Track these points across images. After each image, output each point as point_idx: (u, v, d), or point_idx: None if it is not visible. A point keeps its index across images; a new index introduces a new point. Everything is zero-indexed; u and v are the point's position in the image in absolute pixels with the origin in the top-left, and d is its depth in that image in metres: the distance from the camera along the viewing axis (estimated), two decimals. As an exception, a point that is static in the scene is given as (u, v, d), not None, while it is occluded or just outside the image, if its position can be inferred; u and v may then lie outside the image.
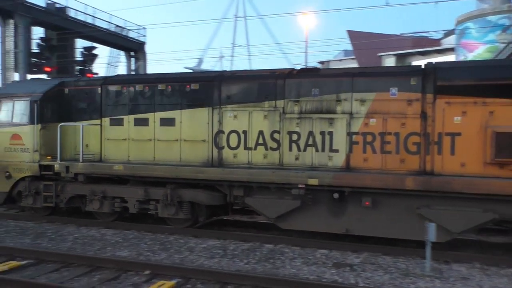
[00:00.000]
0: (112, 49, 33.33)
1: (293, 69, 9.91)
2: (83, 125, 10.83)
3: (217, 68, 58.10)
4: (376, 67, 10.62)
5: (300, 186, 8.84)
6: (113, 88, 10.86)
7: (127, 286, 6.70)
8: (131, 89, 10.65)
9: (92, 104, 11.05)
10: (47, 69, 24.54)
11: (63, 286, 6.46)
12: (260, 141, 9.48)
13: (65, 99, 11.32)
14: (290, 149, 9.25)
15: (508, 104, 7.90)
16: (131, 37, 32.42)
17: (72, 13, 26.91)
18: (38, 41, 25.12)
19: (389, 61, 37.04)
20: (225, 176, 9.46)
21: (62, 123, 10.96)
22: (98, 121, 10.91)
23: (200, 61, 55.96)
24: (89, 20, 28.03)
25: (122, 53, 33.92)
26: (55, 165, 10.86)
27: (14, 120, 11.32)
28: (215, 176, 9.56)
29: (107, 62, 33.99)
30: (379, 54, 37.96)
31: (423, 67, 8.78)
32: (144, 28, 33.54)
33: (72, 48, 27.80)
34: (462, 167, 8.13)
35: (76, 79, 12.64)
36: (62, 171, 10.78)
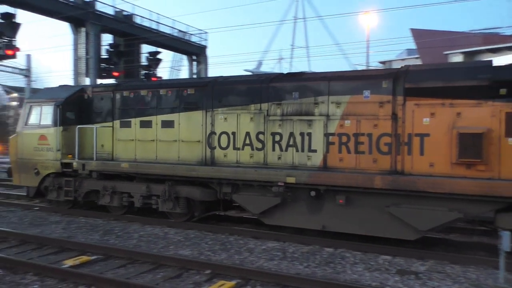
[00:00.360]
0: (175, 53, 34.41)
1: (280, 74, 10.53)
2: (96, 127, 12.06)
3: (276, 70, 58.23)
4: (351, 71, 11.02)
5: (279, 184, 9.41)
6: (123, 93, 11.93)
7: (188, 285, 6.84)
8: (138, 94, 11.70)
9: (106, 108, 12.18)
10: (115, 73, 25.80)
11: (129, 282, 6.69)
12: (247, 141, 10.16)
13: (84, 103, 12.53)
14: (273, 149, 9.86)
15: (474, 105, 8.09)
16: (193, 42, 33.25)
17: (138, 20, 28.06)
18: (107, 47, 26.47)
19: (457, 59, 35.26)
20: (214, 174, 10.25)
21: (80, 125, 12.22)
22: (110, 124, 12.06)
23: (260, 63, 56.31)
24: (153, 26, 29.08)
25: (184, 57, 34.89)
26: (74, 163, 12.12)
27: (41, 123, 12.63)
28: (206, 174, 10.36)
29: (170, 66, 35.15)
30: (446, 52, 36.24)
31: (396, 69, 9.21)
32: (206, 33, 34.33)
33: (138, 53, 28.99)
34: (431, 167, 8.35)
35: (94, 85, 14.08)
36: (79, 169, 12.00)
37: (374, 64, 43.65)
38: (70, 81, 26.25)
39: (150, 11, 29.19)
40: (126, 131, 11.80)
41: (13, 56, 19.76)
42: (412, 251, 8.50)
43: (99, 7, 24.76)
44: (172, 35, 30.67)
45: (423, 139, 8.44)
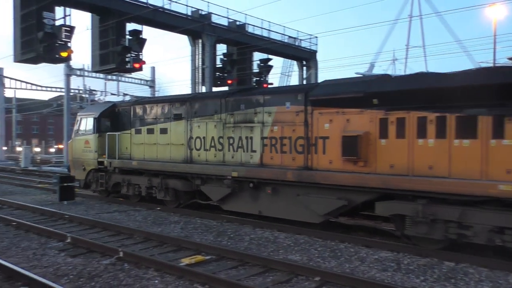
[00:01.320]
0: (285, 59, 34.87)
1: (234, 90, 13.91)
2: (118, 134, 15.56)
3: (390, 72, 55.86)
4: (278, 87, 13.80)
5: (228, 177, 11.93)
6: (136, 108, 15.26)
7: (298, 291, 6.79)
8: (145, 108, 14.97)
9: (127, 119, 15.59)
10: (229, 81, 26.94)
11: (241, 283, 6.84)
12: (212, 144, 12.83)
13: (114, 116, 16.16)
14: (229, 150, 12.42)
15: (358, 113, 9.83)
16: (303, 47, 33.38)
17: (250, 29, 29.00)
18: (221, 56, 27.77)
19: None
20: (188, 169, 13.17)
21: (109, 132, 15.70)
22: (129, 131, 15.40)
23: (372, 65, 54.49)
24: (265, 34, 29.82)
25: (294, 62, 35.18)
26: (104, 161, 15.65)
27: (86, 131, 16.51)
28: (183, 170, 13.32)
29: (281, 72, 35.69)
30: None
31: (308, 85, 12.14)
32: (316, 37, 34.23)
33: (250, 61, 29.94)
34: (330, 164, 10.28)
35: (122, 101, 18.22)
36: (108, 165, 15.57)
37: (503, 61, 39.56)
38: (188, 90, 28.06)
39: (261, 19, 29.94)
40: (138, 137, 15.06)
41: (139, 69, 21.69)
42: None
43: (214, 19, 26.12)
44: (283, 42, 31.13)
45: (325, 141, 10.43)
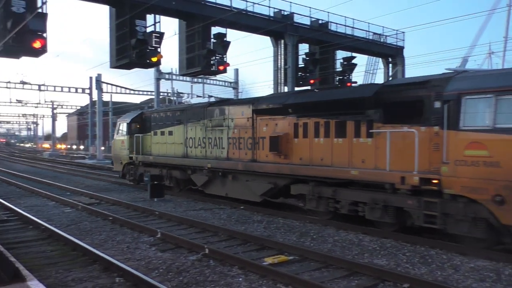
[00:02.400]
0: (370, 56, 33.81)
1: (214, 101, 18.62)
2: (142, 135, 19.97)
3: (485, 67, 51.87)
4: (238, 99, 19.66)
5: (205, 168, 15.75)
6: (154, 115, 19.82)
7: (385, 297, 6.50)
8: (159, 115, 19.33)
9: (149, 124, 19.97)
10: (311, 81, 26.70)
11: (324, 286, 6.70)
12: (199, 143, 16.64)
13: (142, 121, 20.52)
14: (209, 147, 16.13)
15: (282, 119, 13.06)
16: (388, 43, 32.15)
17: (333, 27, 28.52)
18: (303, 56, 27.60)
19: None
20: (183, 162, 17.18)
21: (136, 134, 20.12)
22: (150, 133, 19.78)
23: (465, 60, 50.91)
24: (348, 31, 29.15)
25: (379, 60, 34.00)
26: (133, 157, 20.11)
27: (122, 133, 20.97)
28: (180, 163, 17.35)
29: (365, 70, 34.66)
30: None
31: (253, 98, 15.46)
32: (402, 32, 32.80)
33: (332, 59, 29.42)
34: (266, 157, 13.59)
35: (146, 110, 23.45)
36: (135, 160, 20.09)
37: None
38: (270, 91, 28.25)
39: (345, 17, 29.29)
40: (155, 138, 19.35)
41: (224, 71, 22.28)
42: None
43: (296, 18, 26.05)
44: (367, 39, 30.21)
45: (263, 140, 13.79)
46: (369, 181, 10.53)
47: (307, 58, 27.21)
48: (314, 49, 28.10)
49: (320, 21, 27.73)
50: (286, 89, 25.53)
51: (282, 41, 25.69)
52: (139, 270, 7.55)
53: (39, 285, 5.80)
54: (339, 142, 11.41)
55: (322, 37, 27.17)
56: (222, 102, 16.69)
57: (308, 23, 27.17)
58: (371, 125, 10.66)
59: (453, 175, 8.83)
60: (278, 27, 24.64)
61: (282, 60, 25.69)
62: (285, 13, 25.53)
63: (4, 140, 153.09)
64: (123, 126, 21.21)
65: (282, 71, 25.46)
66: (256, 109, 14.03)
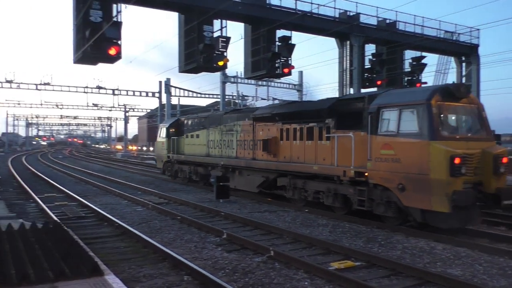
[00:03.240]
0: (441, 56, 32.30)
1: (229, 110, 23.17)
2: (175, 138, 24.47)
3: None
4: (245, 108, 24.06)
5: (219, 165, 19.43)
6: (186, 121, 24.09)
7: (460, 309, 6.15)
8: (188, 121, 23.85)
9: (182, 128, 24.34)
10: (378, 82, 25.94)
11: (393, 294, 6.48)
12: (217, 144, 20.41)
13: (178, 126, 24.79)
14: (223, 148, 19.80)
15: (272, 125, 16.53)
16: (461, 41, 30.52)
17: (401, 26, 27.56)
18: (370, 57, 26.90)
19: None
20: (203, 160, 21.06)
21: (173, 137, 24.58)
22: (183, 136, 24.07)
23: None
24: (417, 30, 28.02)
25: (451, 59, 32.36)
26: (169, 156, 24.52)
27: (163, 136, 25.48)
28: (202, 161, 21.24)
29: (436, 70, 33.14)
30: None
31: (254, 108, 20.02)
32: (477, 30, 31.01)
33: (400, 60, 28.41)
34: (262, 156, 17.02)
35: (181, 116, 28.52)
36: (171, 159, 24.59)
37: None
38: (335, 93, 27.83)
39: (414, 15, 28.17)
40: (187, 140, 23.55)
41: (288, 74, 22.20)
42: None
43: (362, 19, 25.46)
44: (438, 37, 28.87)
45: (260, 142, 16.85)
46: (325, 174, 13.58)
47: (374, 59, 26.45)
48: (381, 49, 27.26)
49: (387, 21, 26.90)
50: (352, 91, 25.03)
51: (348, 42, 25.22)
52: (206, 269, 7.72)
53: (116, 280, 6.11)
54: (309, 144, 14.72)
55: (390, 37, 26.31)
56: (234, 111, 20.84)
57: (375, 23, 26.44)
58: (329, 130, 13.71)
59: (374, 169, 11.50)
60: (344, 28, 24.20)
61: (348, 61, 25.21)
62: (351, 13, 25.03)
63: (81, 141, 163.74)
64: (163, 130, 25.65)
65: (348, 72, 24.98)
66: (255, 117, 17.48)
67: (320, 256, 9.00)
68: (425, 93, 10.78)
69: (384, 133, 11.31)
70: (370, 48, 27.59)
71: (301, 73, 43.33)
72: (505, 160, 10.54)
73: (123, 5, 16.01)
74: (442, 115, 10.55)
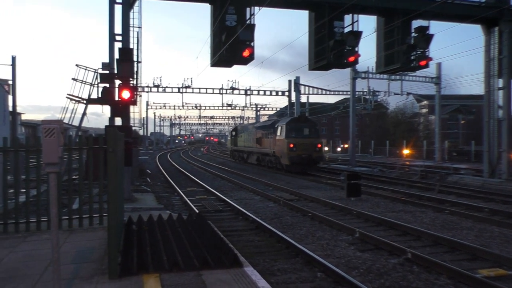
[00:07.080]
0: None
1: (251, 123, 53.30)
2: (234, 137, 47.33)
3: None
4: (254, 123, 47.38)
5: (245, 152, 41.97)
6: (238, 128, 47.80)
7: None
8: (239, 128, 46.93)
9: (236, 132, 46.28)
10: (532, 71, 22.83)
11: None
12: (247, 141, 41.05)
13: (236, 130, 47.46)
14: (248, 143, 40.11)
15: (261, 131, 36.54)
16: None
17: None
18: (523, 43, 23.80)
19: None
20: (242, 149, 42.92)
21: (233, 137, 48.00)
22: (237, 136, 45.72)
23: None
24: None
25: None
26: (230, 147, 50.34)
27: (231, 135, 50.39)
28: (242, 149, 43.27)
29: None
30: None
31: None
32: None
33: None
34: (257, 146, 36.60)
35: (237, 125, 66.81)
36: (231, 148, 49.67)
37: None
38: (479, 85, 25.21)
39: None
40: (238, 138, 44.46)
41: (425, 66, 20.82)
42: None
43: (513, 1, 22.66)
44: None
45: (258, 139, 36.33)
46: (267, 153, 32.93)
47: (528, 45, 23.37)
48: (536, 34, 23.97)
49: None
50: (501, 82, 22.48)
51: (496, 28, 22.68)
52: (340, 267, 7.60)
53: (254, 272, 6.33)
54: (269, 139, 32.69)
55: (548, 19, 22.97)
56: (251, 124, 41.55)
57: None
58: (271, 135, 31.98)
59: (275, 150, 30.60)
60: (492, 13, 21.84)
61: (496, 49, 22.68)
62: (501, -4, 22.45)
63: (216, 140, 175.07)
64: (230, 133, 47.11)
65: (496, 62, 22.47)
66: (255, 127, 37.63)
67: (465, 261, 8.24)
68: (286, 120, 30.81)
69: (278, 136, 30.00)
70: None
71: (439, 64, 40.36)
72: (319, 145, 29.12)
73: (256, 8, 16.59)
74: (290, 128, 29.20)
